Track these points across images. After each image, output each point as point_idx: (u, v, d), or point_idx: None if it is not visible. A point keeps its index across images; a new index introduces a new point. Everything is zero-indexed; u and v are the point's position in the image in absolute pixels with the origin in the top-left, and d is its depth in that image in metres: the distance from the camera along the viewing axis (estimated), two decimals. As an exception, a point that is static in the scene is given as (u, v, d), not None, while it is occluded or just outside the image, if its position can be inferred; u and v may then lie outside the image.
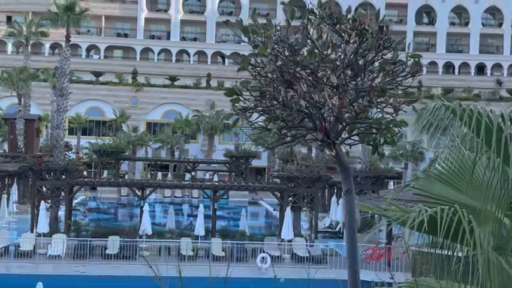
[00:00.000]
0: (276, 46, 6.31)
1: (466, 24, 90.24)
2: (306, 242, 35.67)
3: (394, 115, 6.96)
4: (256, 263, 32.05)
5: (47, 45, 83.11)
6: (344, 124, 6.80)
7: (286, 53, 6.34)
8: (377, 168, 41.77)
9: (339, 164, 7.47)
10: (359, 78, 6.65)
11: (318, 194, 41.95)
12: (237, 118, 6.61)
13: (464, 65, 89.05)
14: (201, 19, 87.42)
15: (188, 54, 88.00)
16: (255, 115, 6.74)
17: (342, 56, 6.52)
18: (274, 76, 6.24)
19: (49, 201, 35.82)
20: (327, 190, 52.25)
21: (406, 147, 65.09)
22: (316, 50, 6.27)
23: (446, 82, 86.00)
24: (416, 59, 7.52)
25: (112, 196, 61.68)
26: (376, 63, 6.93)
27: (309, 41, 6.44)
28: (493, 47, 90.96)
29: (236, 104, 6.53)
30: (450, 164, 6.55)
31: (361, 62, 6.69)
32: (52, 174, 36.11)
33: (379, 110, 6.98)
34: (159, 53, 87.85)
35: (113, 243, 32.85)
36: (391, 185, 49.12)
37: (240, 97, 6.45)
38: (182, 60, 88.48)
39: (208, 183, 41.70)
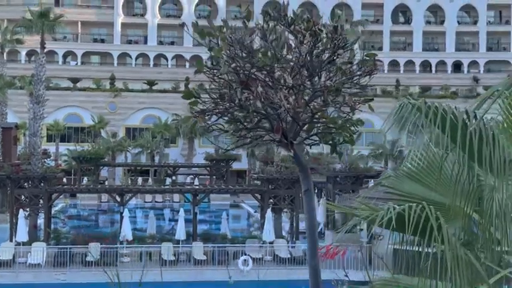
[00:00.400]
0: (231, 48, 6.32)
1: (442, 22, 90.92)
2: (288, 243, 35.75)
3: (350, 114, 7.00)
4: (238, 265, 32.03)
5: (23, 53, 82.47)
6: (301, 124, 6.82)
7: (242, 55, 6.35)
8: (357, 168, 41.93)
9: (297, 164, 7.50)
10: (316, 78, 6.67)
11: (299, 194, 42.00)
12: (195, 121, 6.59)
13: (441, 63, 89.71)
14: (178, 23, 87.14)
15: (166, 59, 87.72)
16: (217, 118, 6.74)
17: (297, 56, 6.53)
18: (231, 78, 6.24)
19: (28, 209, 35.54)
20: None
21: (386, 146, 65.46)
22: (271, 51, 6.28)
23: (424, 80, 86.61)
24: (371, 58, 7.56)
25: (92, 203, 61.29)
26: (333, 63, 6.95)
27: (264, 42, 6.45)
28: (468, 45, 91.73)
29: (194, 107, 6.53)
30: (419, 162, 6.60)
31: (316, 62, 6.71)
32: (30, 182, 35.83)
33: (335, 109, 7.01)
34: (136, 58, 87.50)
35: (94, 250, 32.65)
36: (371, 184, 49.30)
37: (198, 100, 6.45)
38: (160, 64, 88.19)
39: (188, 187, 41.58)
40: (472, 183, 5.89)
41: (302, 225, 43.00)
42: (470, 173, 5.82)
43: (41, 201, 35.74)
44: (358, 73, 7.25)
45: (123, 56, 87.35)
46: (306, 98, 6.64)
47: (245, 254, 33.09)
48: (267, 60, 6.24)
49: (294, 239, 37.21)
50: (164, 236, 37.98)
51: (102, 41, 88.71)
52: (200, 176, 67.98)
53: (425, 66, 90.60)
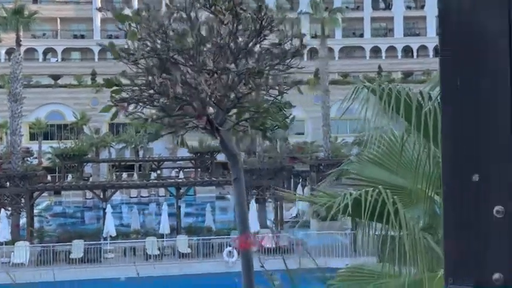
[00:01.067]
0: (151, 32, 6.14)
1: (422, 7, 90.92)
2: (272, 233, 35.70)
3: (279, 97, 6.82)
4: (223, 257, 31.96)
5: (3, 51, 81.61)
6: (224, 109, 6.64)
7: (165, 39, 6.16)
8: (339, 156, 41.92)
9: (225, 152, 7.35)
10: (243, 61, 6.49)
11: (283, 184, 41.95)
12: (116, 110, 6.42)
13: (423, 48, 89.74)
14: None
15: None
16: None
17: (219, 38, 6.35)
18: (153, 63, 6.08)
19: (9, 208, 35.21)
20: (292, 180, 52.32)
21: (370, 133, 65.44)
22: (190, 33, 6.10)
23: (406, 66, 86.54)
24: (300, 39, 7.39)
25: (78, 200, 61.01)
26: (259, 46, 6.76)
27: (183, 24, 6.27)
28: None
29: (115, 95, 6.36)
30: (380, 145, 6.46)
31: (241, 43, 6.52)
32: (11, 181, 35.49)
33: (264, 93, 6.84)
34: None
35: (77, 247, 32.46)
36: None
37: (122, 88, 6.28)
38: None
39: (171, 180, 41.42)
40: (433, 164, 5.76)
41: (288, 215, 43.03)
42: (431, 154, 5.69)
43: (23, 200, 35.41)
44: (284, 54, 7.07)
45: (104, 51, 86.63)
46: (230, 82, 6.44)
47: (230, 246, 32.99)
48: (185, 43, 6.08)
49: (279, 229, 37.17)
50: (148, 230, 37.83)
51: (82, 36, 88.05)
52: (185, 169, 67.80)
53: (407, 51, 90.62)
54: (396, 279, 5.39)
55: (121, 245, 33.75)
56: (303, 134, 76.17)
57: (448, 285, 1.74)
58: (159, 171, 66.57)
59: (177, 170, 68.75)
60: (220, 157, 69.11)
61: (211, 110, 6.66)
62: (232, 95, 6.45)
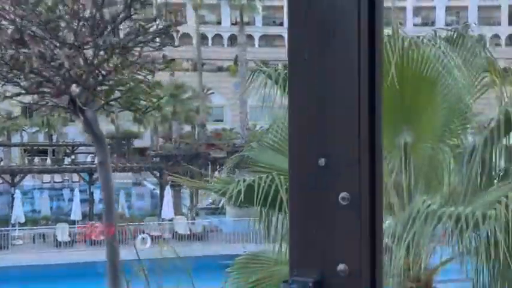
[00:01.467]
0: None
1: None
2: (187, 219, 35.57)
3: (149, 77, 6.66)
4: (136, 244, 31.50)
5: None
6: (88, 88, 6.43)
7: (16, 8, 5.91)
8: (256, 143, 42.13)
9: (91, 134, 7.14)
10: (110, 37, 6.28)
11: (201, 171, 41.73)
12: None
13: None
14: None
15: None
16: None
17: (82, 11, 6.14)
18: (5, 37, 5.81)
19: None
20: (210, 167, 52.17)
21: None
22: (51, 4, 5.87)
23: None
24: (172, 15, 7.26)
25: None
26: (130, 21, 6.55)
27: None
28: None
29: None
30: (279, 131, 6.37)
31: (109, 17, 6.32)
32: None
33: (134, 72, 6.65)
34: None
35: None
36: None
37: None
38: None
39: (84, 166, 40.59)
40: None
41: (205, 201, 42.90)
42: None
43: None
44: (153, 32, 6.89)
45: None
46: (94, 59, 6.22)
47: (143, 233, 32.64)
48: (44, 15, 5.83)
49: (194, 216, 37.06)
50: (59, 217, 37.00)
51: None
52: (101, 155, 66.60)
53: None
54: (290, 266, 5.32)
55: (30, 231, 32.83)
56: (222, 120, 76.16)
57: (292, 277, 1.61)
58: (73, 156, 65.09)
59: (92, 155, 67.36)
60: (138, 143, 68.18)
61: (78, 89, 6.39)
62: (98, 73, 6.20)
